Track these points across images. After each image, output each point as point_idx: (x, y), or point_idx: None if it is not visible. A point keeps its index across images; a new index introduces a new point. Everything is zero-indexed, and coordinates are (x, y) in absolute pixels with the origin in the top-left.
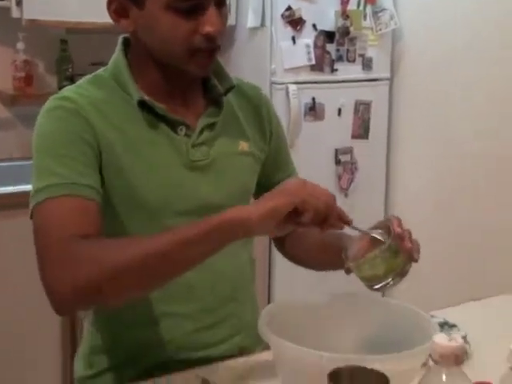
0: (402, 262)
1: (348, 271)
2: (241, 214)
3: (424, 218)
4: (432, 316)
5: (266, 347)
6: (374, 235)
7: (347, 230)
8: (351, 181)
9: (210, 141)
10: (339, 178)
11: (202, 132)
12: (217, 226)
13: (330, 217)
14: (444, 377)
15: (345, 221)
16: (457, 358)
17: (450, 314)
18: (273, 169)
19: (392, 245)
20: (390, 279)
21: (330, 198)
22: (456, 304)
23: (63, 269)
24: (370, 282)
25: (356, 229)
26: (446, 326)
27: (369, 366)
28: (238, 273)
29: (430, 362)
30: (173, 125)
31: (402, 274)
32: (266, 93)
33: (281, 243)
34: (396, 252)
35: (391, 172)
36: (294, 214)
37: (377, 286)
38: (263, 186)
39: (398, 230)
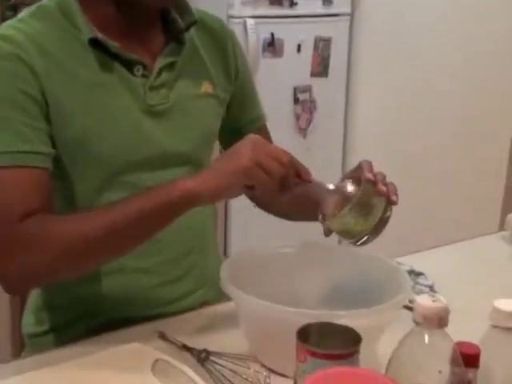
0: (381, 209)
1: (328, 232)
2: (192, 189)
3: (384, 158)
4: (397, 263)
5: (229, 300)
6: (338, 188)
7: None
8: (310, 121)
9: (169, 82)
10: (297, 117)
11: (160, 73)
12: (169, 202)
13: (286, 181)
14: (427, 338)
15: (305, 180)
16: (441, 320)
17: (415, 261)
18: (240, 108)
19: (365, 193)
20: (370, 231)
21: (281, 162)
22: (421, 250)
23: (14, 255)
24: (352, 237)
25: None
26: (412, 274)
27: (337, 322)
28: (202, 224)
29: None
30: (128, 65)
31: (382, 221)
32: None
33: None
34: (372, 199)
35: (350, 111)
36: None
37: (360, 242)
38: (233, 129)
39: (368, 175)
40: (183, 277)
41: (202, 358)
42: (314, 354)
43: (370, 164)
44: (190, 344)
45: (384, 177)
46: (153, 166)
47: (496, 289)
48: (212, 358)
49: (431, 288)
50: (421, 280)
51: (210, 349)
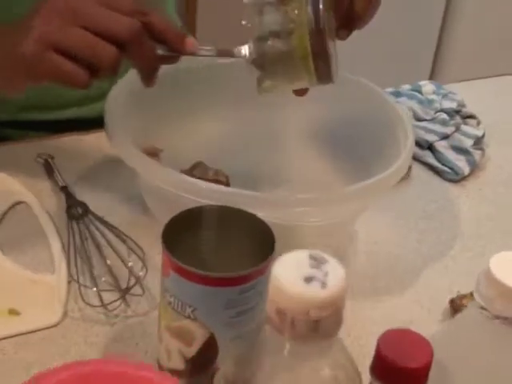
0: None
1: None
2: None
3: None
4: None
5: None
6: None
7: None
8: None
9: None
10: None
11: None
12: None
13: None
14: (286, 352)
15: (175, 48)
16: (314, 327)
17: (465, 95)
18: None
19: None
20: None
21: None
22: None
23: None
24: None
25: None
26: (457, 115)
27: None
28: None
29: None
30: None
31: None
32: None
33: None
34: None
35: None
36: None
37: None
38: None
39: None
40: None
41: (76, 212)
42: (179, 270)
43: None
44: (74, 187)
45: None
46: None
47: None
48: (90, 217)
49: (478, 140)
50: (468, 128)
51: (95, 206)
